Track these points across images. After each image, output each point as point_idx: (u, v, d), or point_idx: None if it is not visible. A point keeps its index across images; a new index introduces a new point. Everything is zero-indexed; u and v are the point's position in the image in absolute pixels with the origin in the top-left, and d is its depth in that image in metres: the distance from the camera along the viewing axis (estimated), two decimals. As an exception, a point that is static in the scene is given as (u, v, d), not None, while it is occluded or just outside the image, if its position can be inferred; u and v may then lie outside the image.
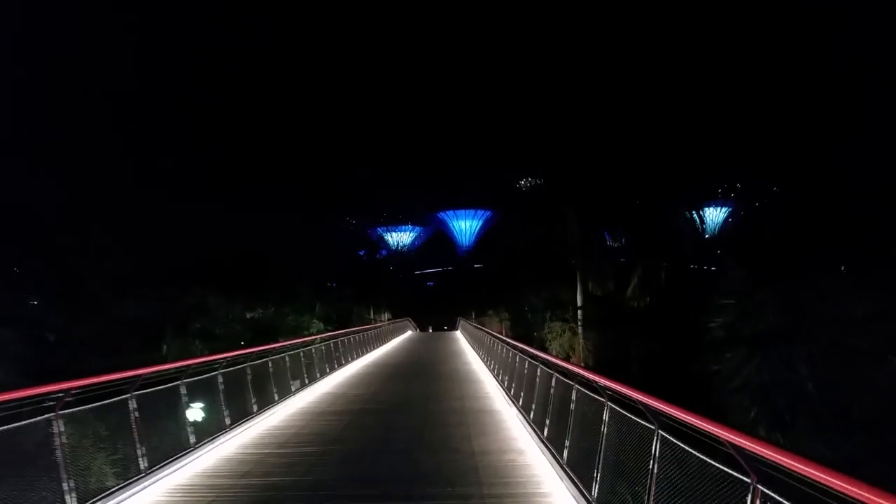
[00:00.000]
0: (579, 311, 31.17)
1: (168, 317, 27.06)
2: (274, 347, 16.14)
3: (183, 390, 10.75)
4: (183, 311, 28.16)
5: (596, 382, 8.04)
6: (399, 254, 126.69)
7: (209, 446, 10.98)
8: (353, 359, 28.33)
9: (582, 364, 25.18)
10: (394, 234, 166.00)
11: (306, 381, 19.19)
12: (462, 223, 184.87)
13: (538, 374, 12.38)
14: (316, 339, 22.90)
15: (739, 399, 15.82)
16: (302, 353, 19.35)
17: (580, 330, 30.20)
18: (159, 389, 10.30)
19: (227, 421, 12.29)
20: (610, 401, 7.45)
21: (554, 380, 10.69)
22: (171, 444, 10.18)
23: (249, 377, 14.07)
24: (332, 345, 24.53)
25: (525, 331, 36.72)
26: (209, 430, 11.55)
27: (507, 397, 16.15)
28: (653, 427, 6.02)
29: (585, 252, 31.58)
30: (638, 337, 24.30)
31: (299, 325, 34.68)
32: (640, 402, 6.30)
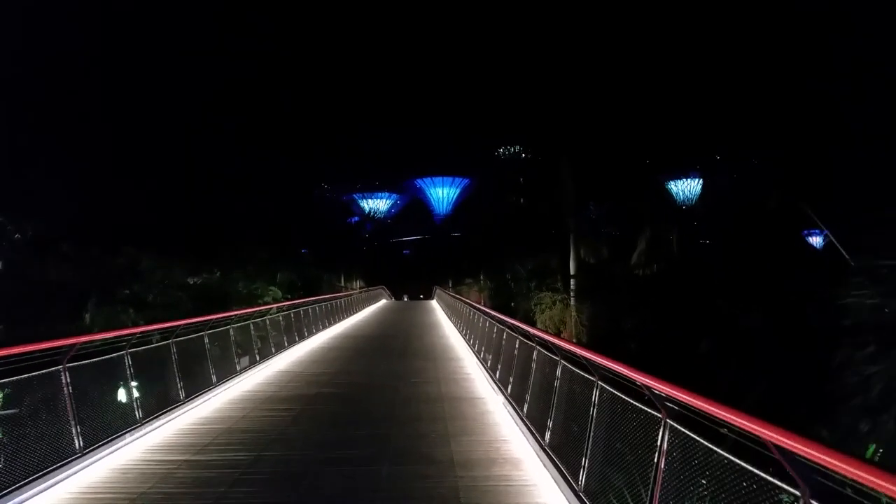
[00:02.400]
0: (572, 281, 28.40)
1: (95, 281, 23.84)
2: (211, 319, 13.40)
3: (65, 378, 8.03)
4: (112, 275, 24.88)
5: (636, 381, 5.48)
6: (374, 221, 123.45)
7: (104, 451, 8.32)
8: (318, 330, 25.71)
9: (574, 340, 22.87)
10: (370, 200, 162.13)
11: (257, 358, 16.55)
12: (439, 191, 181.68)
13: (534, 357, 9.86)
14: (272, 308, 20.19)
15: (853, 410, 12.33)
16: (252, 326, 16.66)
17: (573, 301, 27.57)
18: (30, 377, 7.63)
19: (138, 414, 9.62)
20: (668, 414, 4.90)
21: (560, 369, 8.16)
22: (45, 454, 7.51)
23: (175, 357, 11.36)
24: (291, 315, 21.85)
25: (506, 301, 34.25)
26: (109, 429, 8.86)
27: (491, 380, 13.69)
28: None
29: (580, 213, 28.77)
30: (645, 310, 21.79)
31: (252, 292, 31.43)
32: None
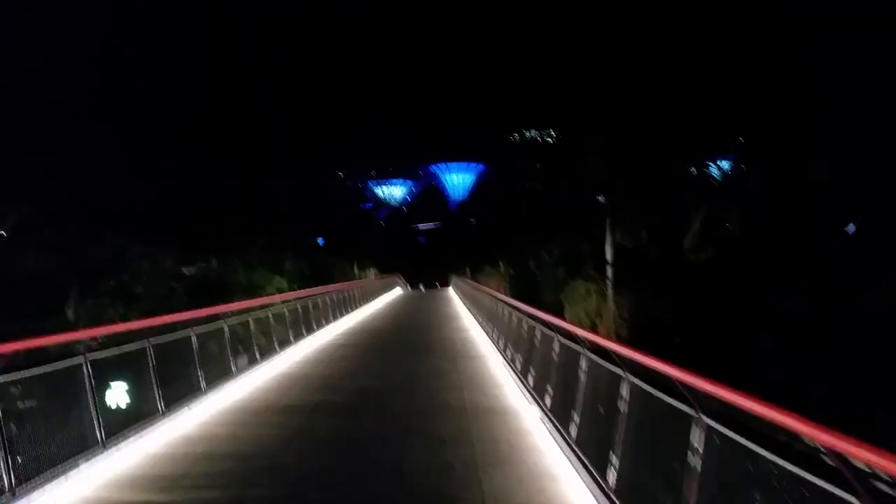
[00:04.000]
0: (609, 268, 25.94)
1: (77, 272, 21.99)
2: (200, 316, 11.62)
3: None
4: (94, 265, 22.95)
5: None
6: (389, 207, 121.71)
7: (43, 489, 6.57)
8: (328, 322, 23.97)
9: (612, 335, 20.85)
10: (384, 187, 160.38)
11: (258, 357, 14.78)
12: (455, 177, 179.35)
13: (583, 366, 7.97)
14: (276, 301, 18.44)
15: None
16: (251, 320, 14.90)
17: (610, 291, 25.19)
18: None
19: (99, 436, 7.86)
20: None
21: (626, 388, 6.26)
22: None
23: (152, 361, 9.60)
24: (298, 308, 20.09)
25: (529, 290, 32.17)
26: (55, 458, 7.11)
27: (521, 386, 11.84)
28: None
29: (618, 187, 26.26)
30: (700, 300, 19.52)
31: (253, 283, 29.38)
32: None
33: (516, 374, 13.07)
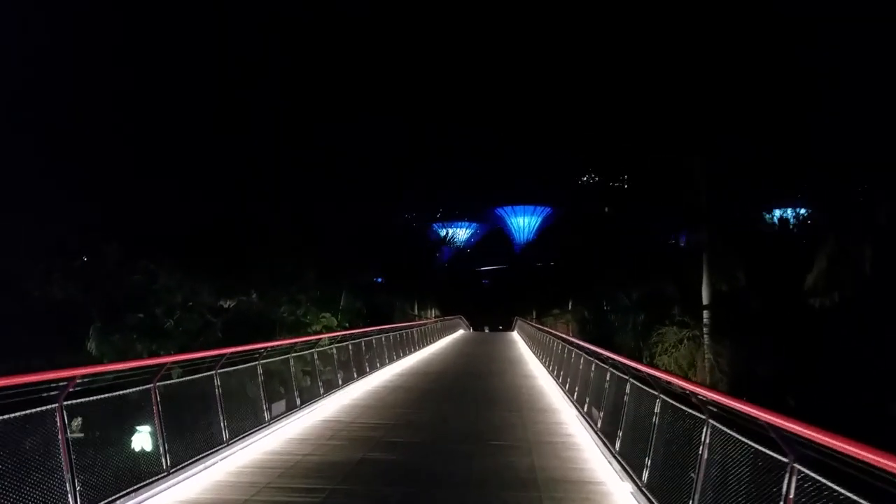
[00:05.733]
0: (705, 313, 22.91)
1: (109, 301, 20.64)
2: (224, 353, 10.00)
3: None
4: (127, 293, 21.53)
5: None
6: (452, 246, 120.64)
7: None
8: (382, 365, 22.23)
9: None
10: (450, 229, 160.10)
11: (298, 403, 13.11)
12: (520, 219, 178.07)
13: (705, 438, 5.86)
14: (322, 338, 16.80)
15: None
16: (292, 360, 13.27)
17: (706, 339, 22.18)
18: None
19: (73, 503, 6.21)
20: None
21: (791, 482, 4.16)
22: None
23: (157, 408, 8.00)
24: (350, 347, 18.44)
25: (602, 335, 29.54)
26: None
27: (604, 448, 9.69)
28: None
29: (717, 221, 23.20)
30: (823, 356, 16.53)
31: (299, 320, 27.44)
32: None
33: (595, 432, 10.90)
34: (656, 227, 33.67)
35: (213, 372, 9.80)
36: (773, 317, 19.07)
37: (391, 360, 23.92)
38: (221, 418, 9.71)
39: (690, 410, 6.47)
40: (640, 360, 19.49)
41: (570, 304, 49.20)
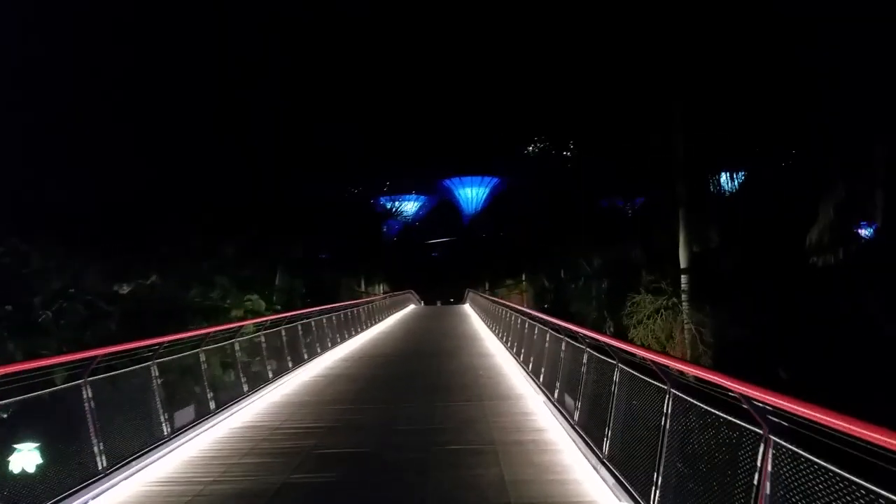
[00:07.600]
0: (683, 278, 20.84)
1: None
2: (96, 355, 7.64)
3: None
4: None
5: None
6: (400, 219, 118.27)
7: None
8: (324, 350, 20.04)
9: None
10: (396, 203, 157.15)
11: (212, 406, 10.83)
12: (468, 191, 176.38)
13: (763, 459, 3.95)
14: (247, 325, 14.48)
15: None
16: (202, 356, 10.94)
17: (685, 306, 20.21)
18: None
19: None
20: None
21: None
22: None
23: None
24: (284, 333, 16.17)
25: (559, 306, 27.68)
26: None
27: (588, 450, 7.82)
28: None
29: (694, 176, 21.13)
30: (820, 323, 14.43)
31: (216, 304, 24.11)
32: None
33: (573, 427, 9.03)
34: (615, 188, 31.92)
35: (82, 381, 7.49)
36: (766, 279, 17.36)
37: (334, 344, 21.73)
38: (95, 441, 7.42)
39: (718, 414, 4.55)
40: (604, 332, 17.72)
41: (523, 274, 47.45)
